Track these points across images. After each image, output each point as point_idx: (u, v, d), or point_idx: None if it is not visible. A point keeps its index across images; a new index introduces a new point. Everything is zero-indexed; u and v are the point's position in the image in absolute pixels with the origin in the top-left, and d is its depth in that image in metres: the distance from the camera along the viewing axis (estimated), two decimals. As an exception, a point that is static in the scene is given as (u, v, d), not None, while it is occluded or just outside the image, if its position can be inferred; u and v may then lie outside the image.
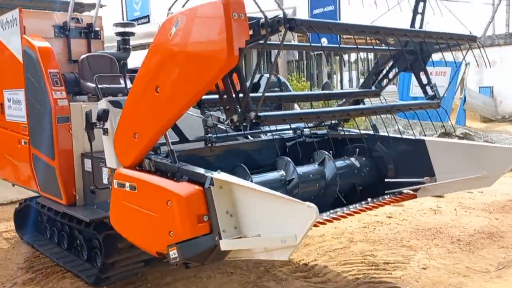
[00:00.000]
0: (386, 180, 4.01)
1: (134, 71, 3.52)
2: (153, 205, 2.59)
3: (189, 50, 2.37)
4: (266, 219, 2.33)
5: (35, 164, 4.45)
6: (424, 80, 3.72)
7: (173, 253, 2.43)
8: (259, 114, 2.41)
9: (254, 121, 2.39)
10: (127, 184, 2.78)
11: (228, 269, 4.31)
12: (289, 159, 3.56)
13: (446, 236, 5.10)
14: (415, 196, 3.89)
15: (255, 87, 4.63)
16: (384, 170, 4.07)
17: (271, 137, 3.91)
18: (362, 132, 4.26)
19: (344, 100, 4.34)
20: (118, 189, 2.88)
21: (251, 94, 2.49)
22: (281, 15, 2.19)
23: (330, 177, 3.73)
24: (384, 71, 4.02)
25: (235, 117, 2.46)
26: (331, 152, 3.92)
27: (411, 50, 3.73)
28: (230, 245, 2.34)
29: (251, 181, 3.13)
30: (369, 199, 3.62)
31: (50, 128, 4.04)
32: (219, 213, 2.32)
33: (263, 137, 4.07)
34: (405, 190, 3.88)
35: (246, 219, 2.36)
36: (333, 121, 4.46)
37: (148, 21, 11.82)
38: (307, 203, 2.12)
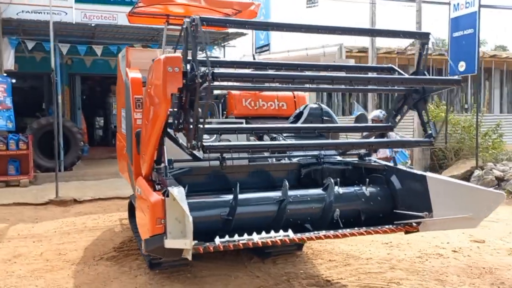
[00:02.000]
0: (394, 211, 4.18)
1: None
2: (143, 207, 3.50)
3: (152, 93, 3.22)
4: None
5: (128, 167, 5.82)
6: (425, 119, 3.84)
7: (142, 246, 3.29)
8: (204, 144, 3.10)
9: (201, 149, 3.09)
10: (139, 189, 3.75)
11: (257, 272, 4.95)
12: (286, 182, 4.07)
13: (492, 277, 4.79)
14: (417, 230, 3.96)
15: (298, 116, 5.19)
16: (396, 202, 4.23)
17: (288, 162, 4.45)
18: (384, 163, 4.47)
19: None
20: (137, 192, 3.88)
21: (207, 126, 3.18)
22: (208, 71, 2.87)
23: (328, 202, 4.09)
24: (397, 109, 4.20)
25: (188, 145, 3.20)
26: (352, 180, 4.27)
27: (416, 90, 3.88)
28: (169, 244, 3.07)
29: (236, 198, 3.76)
30: (358, 228, 3.85)
31: (131, 140, 5.31)
32: (169, 218, 3.08)
33: (283, 161, 4.62)
34: (412, 222, 3.99)
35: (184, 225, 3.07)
36: (362, 151, 4.74)
37: (269, 49, 13.34)
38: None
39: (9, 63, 11.72)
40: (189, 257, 3.05)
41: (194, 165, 4.09)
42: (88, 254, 5.68)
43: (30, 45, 11.92)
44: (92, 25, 12.00)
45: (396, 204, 4.21)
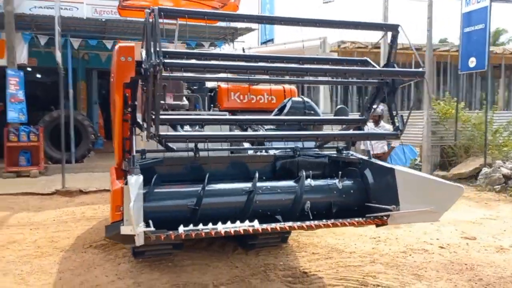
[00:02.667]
0: (366, 204, 4.18)
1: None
2: (111, 194, 3.61)
3: (112, 82, 3.33)
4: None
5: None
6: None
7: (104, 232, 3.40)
8: (160, 133, 3.19)
9: (157, 139, 3.18)
10: (110, 177, 3.87)
11: (237, 263, 5.02)
12: (257, 174, 4.12)
13: (472, 273, 4.74)
14: (386, 223, 3.95)
15: (282, 109, 5.22)
16: (369, 195, 4.23)
17: (264, 154, 4.50)
18: (359, 157, 4.47)
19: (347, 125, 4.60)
20: (112, 181, 4.01)
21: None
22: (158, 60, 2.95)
23: (299, 194, 4.12)
24: (370, 102, 4.19)
25: (146, 134, 3.29)
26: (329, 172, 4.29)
27: (387, 83, 3.87)
28: (123, 230, 3.16)
29: (204, 188, 3.83)
30: (325, 219, 3.86)
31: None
32: (125, 206, 3.17)
33: (259, 153, 4.67)
34: (381, 215, 3.98)
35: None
36: (340, 144, 4.75)
37: (272, 43, 13.42)
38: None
39: (23, 57, 12.08)
40: (138, 243, 3.08)
41: (173, 156, 4.17)
42: (79, 242, 5.86)
43: (43, 40, 12.25)
44: (103, 20, 12.25)
45: (369, 197, 4.21)
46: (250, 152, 4.83)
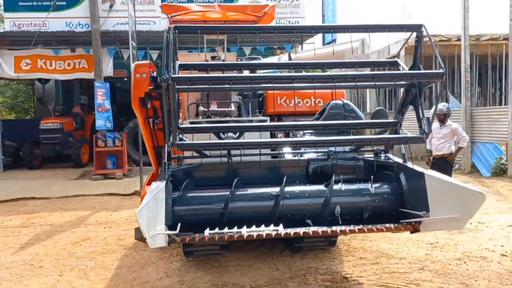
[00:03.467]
0: (400, 209, 4.04)
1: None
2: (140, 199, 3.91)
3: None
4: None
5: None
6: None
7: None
8: (177, 142, 3.39)
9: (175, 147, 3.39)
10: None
11: (280, 265, 5.11)
12: (285, 179, 4.16)
13: (528, 286, 4.34)
14: (418, 229, 3.79)
15: (321, 113, 5.22)
16: (404, 199, 4.08)
17: (297, 158, 4.54)
18: (395, 160, 4.32)
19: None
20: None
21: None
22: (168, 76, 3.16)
23: (328, 199, 4.09)
24: (400, 104, 4.03)
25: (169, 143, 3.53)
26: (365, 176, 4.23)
27: (414, 85, 3.73)
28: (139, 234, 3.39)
29: (231, 193, 3.98)
30: (353, 225, 3.79)
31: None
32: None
33: (288, 156, 4.71)
34: (413, 221, 3.83)
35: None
36: (378, 147, 4.62)
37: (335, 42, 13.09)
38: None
39: (109, 70, 13.24)
40: (150, 246, 3.27)
41: (210, 161, 4.38)
42: (142, 241, 6.35)
43: (126, 54, 13.30)
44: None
45: (404, 202, 4.06)
46: (288, 156, 4.89)
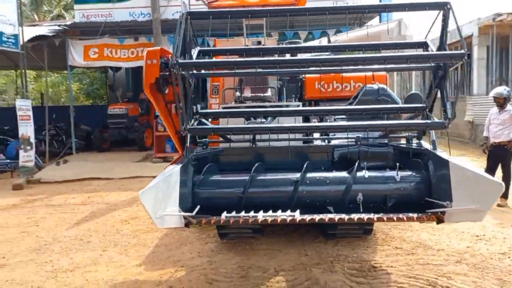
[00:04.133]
0: (426, 198, 3.84)
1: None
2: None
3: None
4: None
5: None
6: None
7: None
8: (189, 127, 3.46)
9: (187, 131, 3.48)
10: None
11: (310, 251, 5.08)
12: (308, 163, 4.11)
13: None
14: (442, 220, 3.58)
15: (356, 97, 5.06)
16: (431, 188, 3.87)
17: (322, 144, 4.46)
18: (425, 147, 4.10)
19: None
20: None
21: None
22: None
23: (349, 186, 3.98)
24: (428, 88, 3.79)
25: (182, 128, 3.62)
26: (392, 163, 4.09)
27: (440, 67, 3.50)
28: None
29: (251, 178, 4.00)
30: (377, 214, 3.67)
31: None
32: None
33: (315, 142, 4.62)
34: (438, 211, 3.63)
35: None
36: (408, 134, 4.40)
37: None
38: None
39: (169, 57, 13.68)
40: (158, 226, 3.40)
41: (236, 146, 4.45)
42: (184, 221, 6.61)
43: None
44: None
45: (431, 191, 3.85)
46: (317, 142, 4.81)
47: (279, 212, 3.75)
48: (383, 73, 5.90)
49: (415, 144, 4.32)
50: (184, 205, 3.79)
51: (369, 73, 5.90)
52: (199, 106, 4.19)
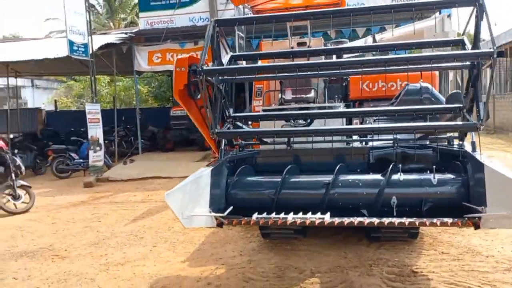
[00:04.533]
0: (463, 203, 3.69)
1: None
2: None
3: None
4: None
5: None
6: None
7: None
8: (216, 131, 3.60)
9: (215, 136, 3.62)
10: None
11: (350, 254, 5.05)
12: (341, 166, 4.09)
13: None
14: (478, 225, 3.42)
15: (398, 97, 4.96)
16: (469, 193, 3.70)
17: (357, 146, 4.41)
18: (465, 149, 3.93)
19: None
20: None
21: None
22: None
23: (382, 189, 3.91)
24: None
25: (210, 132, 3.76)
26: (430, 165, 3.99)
27: (473, 65, 3.35)
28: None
29: (282, 180, 4.06)
30: (411, 219, 3.57)
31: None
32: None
33: (354, 144, 4.56)
34: (473, 216, 3.47)
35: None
36: (450, 134, 4.24)
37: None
38: None
39: (225, 60, 14.03)
40: (186, 226, 3.55)
41: (276, 148, 4.55)
42: (232, 220, 6.82)
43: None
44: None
45: (469, 195, 3.69)
46: (356, 144, 4.78)
47: (309, 214, 3.79)
48: (434, 72, 5.70)
49: (456, 146, 4.16)
50: (217, 206, 3.95)
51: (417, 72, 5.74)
52: (231, 110, 4.34)
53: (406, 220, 3.53)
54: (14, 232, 6.98)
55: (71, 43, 11.08)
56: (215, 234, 6.16)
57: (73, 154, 13.21)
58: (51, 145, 14.31)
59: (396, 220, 3.53)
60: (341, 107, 5.32)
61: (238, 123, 4.51)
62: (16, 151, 13.91)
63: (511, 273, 4.34)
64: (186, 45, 14.09)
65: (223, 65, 4.10)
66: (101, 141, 12.08)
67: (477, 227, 3.45)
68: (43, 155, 14.18)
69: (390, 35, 7.18)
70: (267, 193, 4.14)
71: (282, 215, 3.82)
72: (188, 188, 3.48)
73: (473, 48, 3.34)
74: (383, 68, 3.52)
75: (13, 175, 8.57)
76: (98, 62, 13.40)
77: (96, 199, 9.36)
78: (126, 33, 14.38)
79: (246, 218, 3.85)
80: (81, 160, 13.01)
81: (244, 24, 3.96)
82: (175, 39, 14.03)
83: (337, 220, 3.68)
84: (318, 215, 3.78)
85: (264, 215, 3.86)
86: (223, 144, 4.31)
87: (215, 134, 3.80)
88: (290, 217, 3.77)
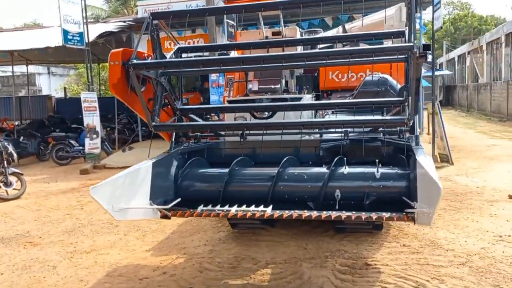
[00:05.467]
0: (403, 197, 3.65)
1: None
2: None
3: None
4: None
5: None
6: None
7: None
8: (153, 124, 3.62)
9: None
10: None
11: (311, 245, 5.05)
12: (288, 158, 4.08)
13: None
14: (413, 221, 3.39)
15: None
16: (410, 187, 3.66)
17: (307, 138, 4.39)
18: (411, 142, 3.88)
19: None
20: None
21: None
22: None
23: (326, 182, 3.89)
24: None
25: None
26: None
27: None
28: None
29: (230, 173, 4.07)
30: (350, 212, 3.56)
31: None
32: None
33: (306, 137, 4.53)
34: (411, 212, 3.43)
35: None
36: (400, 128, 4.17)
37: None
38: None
39: (225, 47, 13.98)
40: (117, 219, 3.59)
41: (229, 140, 4.57)
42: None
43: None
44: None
45: (410, 190, 3.65)
46: (311, 136, 4.75)
47: (252, 207, 3.82)
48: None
49: (406, 139, 4.10)
50: (163, 198, 4.01)
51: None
52: (179, 103, 4.36)
53: (336, 214, 3.55)
54: (-1, 218, 7.19)
55: (65, 32, 11.18)
56: (187, 224, 6.23)
57: (72, 142, 13.42)
58: (55, 132, 14.58)
59: (333, 214, 3.54)
60: (306, 98, 5.27)
61: (193, 116, 4.54)
62: (21, 138, 14.40)
63: (465, 267, 4.30)
64: (184, 32, 14.07)
65: (164, 58, 4.10)
66: (98, 128, 12.24)
67: (415, 222, 3.43)
68: (46, 142, 14.46)
69: (360, 24, 7.05)
70: (215, 185, 4.17)
71: (226, 207, 3.86)
72: (121, 182, 3.52)
73: (407, 41, 3.27)
74: (324, 62, 3.48)
75: (5, 162, 8.79)
76: (102, 50, 13.50)
77: (86, 186, 9.51)
78: (124, 21, 14.43)
79: (190, 210, 3.89)
80: (81, 148, 13.20)
81: (179, 16, 3.94)
82: (173, 26, 13.97)
83: (277, 213, 3.70)
84: (261, 208, 3.80)
85: (209, 207, 3.90)
86: (173, 137, 4.35)
87: (152, 127, 3.84)
88: (233, 209, 3.81)
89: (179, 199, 4.05)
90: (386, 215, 3.48)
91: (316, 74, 6.12)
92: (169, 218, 3.95)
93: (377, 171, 3.81)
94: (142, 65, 3.63)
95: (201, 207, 3.90)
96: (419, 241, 5.07)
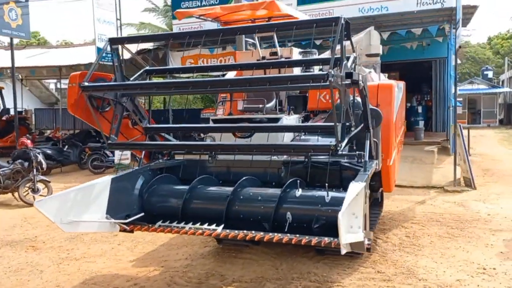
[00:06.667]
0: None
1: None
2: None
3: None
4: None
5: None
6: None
7: None
8: (110, 142, 3.84)
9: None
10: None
11: (284, 265, 5.07)
12: (246, 178, 4.17)
13: None
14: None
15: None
16: None
17: (272, 159, 4.45)
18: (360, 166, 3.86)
19: None
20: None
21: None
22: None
23: (278, 204, 3.94)
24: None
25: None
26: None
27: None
28: None
29: (189, 191, 4.22)
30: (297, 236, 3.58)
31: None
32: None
33: (273, 158, 4.58)
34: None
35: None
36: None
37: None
38: None
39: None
40: (66, 231, 3.82)
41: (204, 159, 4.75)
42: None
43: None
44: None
45: None
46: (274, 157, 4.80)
47: (205, 225, 3.95)
48: (390, 82, 5.53)
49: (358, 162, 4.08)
50: (124, 212, 4.22)
51: (375, 83, 5.61)
52: (145, 122, 4.58)
53: (279, 236, 3.58)
54: (18, 222, 7.75)
55: (99, 50, 11.93)
56: (178, 237, 6.42)
57: (107, 152, 14.15)
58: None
59: (276, 236, 3.60)
60: (286, 119, 5.30)
61: (166, 135, 4.76)
62: (66, 147, 15.43)
63: (427, 299, 4.15)
64: (215, 50, 14.51)
65: (124, 80, 4.34)
66: (129, 141, 12.83)
67: (367, 250, 3.44)
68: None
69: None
70: (176, 202, 4.34)
71: (181, 224, 4.02)
72: (72, 196, 3.78)
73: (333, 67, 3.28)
74: (246, 87, 3.64)
75: (34, 170, 9.49)
76: (135, 66, 14.21)
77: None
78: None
79: (149, 225, 4.09)
80: (114, 158, 13.90)
81: (134, 42, 4.17)
82: (205, 44, 14.48)
83: (225, 232, 3.81)
84: (213, 226, 3.92)
85: (167, 223, 4.08)
86: (142, 154, 4.58)
87: (108, 146, 4.08)
88: (187, 227, 3.96)
89: (142, 214, 4.25)
90: (314, 240, 3.49)
91: (307, 95, 6.16)
92: (131, 231, 4.16)
93: (327, 195, 3.81)
94: (90, 88, 3.89)
95: (159, 223, 4.08)
96: (396, 268, 4.94)
